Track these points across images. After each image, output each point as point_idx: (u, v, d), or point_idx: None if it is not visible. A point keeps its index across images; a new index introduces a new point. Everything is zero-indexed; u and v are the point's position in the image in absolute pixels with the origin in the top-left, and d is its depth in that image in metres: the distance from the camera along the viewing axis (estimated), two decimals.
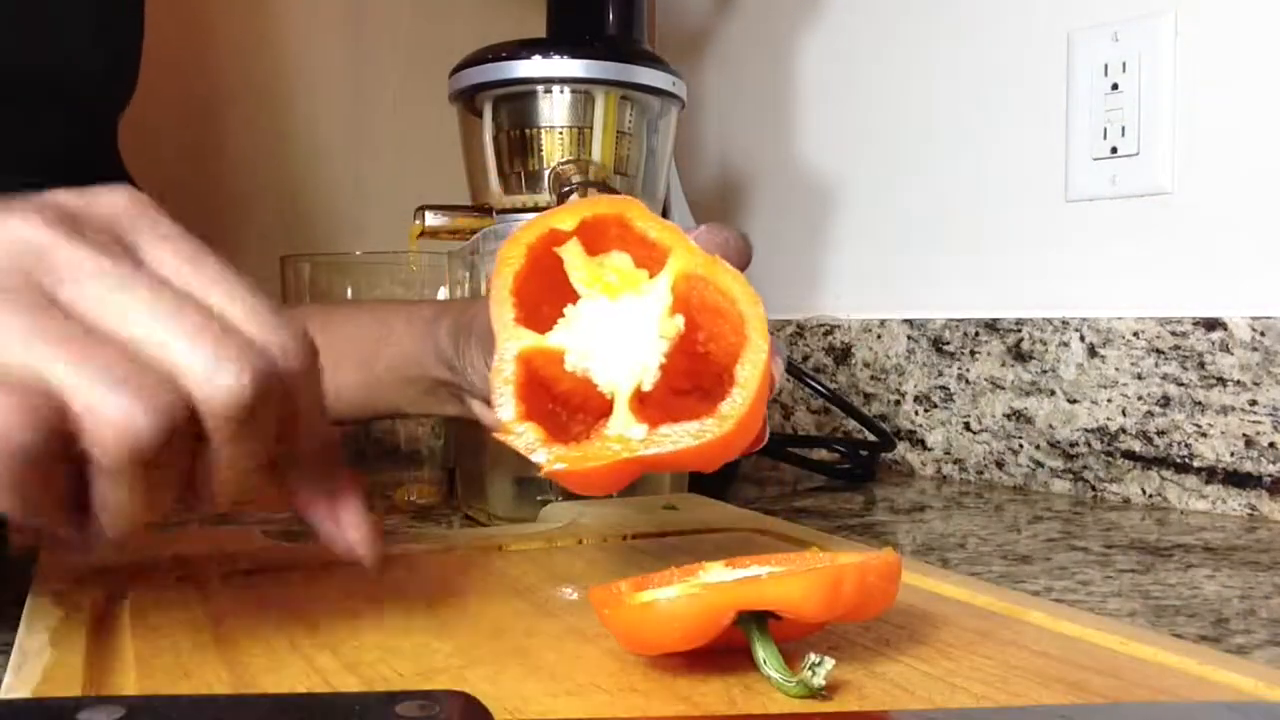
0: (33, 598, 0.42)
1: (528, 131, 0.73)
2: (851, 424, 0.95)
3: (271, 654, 0.36)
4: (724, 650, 0.34)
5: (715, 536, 0.56)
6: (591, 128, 0.72)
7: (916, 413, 0.93)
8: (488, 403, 0.48)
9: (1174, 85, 0.77)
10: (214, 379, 0.30)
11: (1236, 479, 0.73)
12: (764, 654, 0.33)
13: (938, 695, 0.32)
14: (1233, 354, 0.73)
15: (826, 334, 1.00)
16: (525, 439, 0.37)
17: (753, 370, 0.36)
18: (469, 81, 0.73)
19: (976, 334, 0.88)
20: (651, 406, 0.38)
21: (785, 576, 0.33)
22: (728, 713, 0.31)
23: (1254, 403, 0.72)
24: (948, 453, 0.90)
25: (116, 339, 0.29)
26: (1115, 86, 0.80)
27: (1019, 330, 0.85)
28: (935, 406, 0.91)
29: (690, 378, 0.39)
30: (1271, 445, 0.71)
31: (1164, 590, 0.52)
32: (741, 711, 0.31)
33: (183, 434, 0.30)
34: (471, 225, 0.72)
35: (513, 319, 0.39)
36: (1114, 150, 0.80)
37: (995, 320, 0.87)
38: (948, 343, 0.90)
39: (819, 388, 0.90)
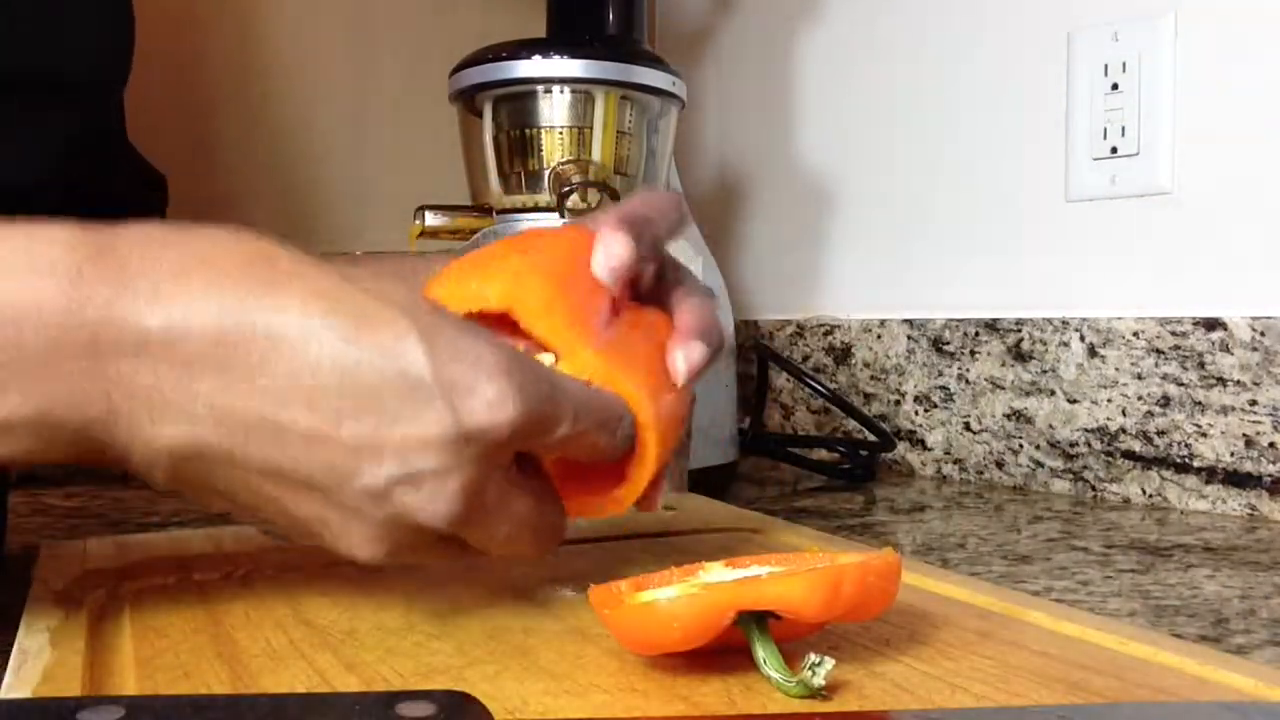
0: (33, 598, 0.42)
1: (528, 131, 0.73)
2: (851, 424, 0.95)
3: (271, 654, 0.36)
4: (724, 650, 0.34)
5: (715, 536, 0.56)
6: (591, 128, 0.72)
7: (916, 413, 0.93)
8: None
9: (1174, 85, 0.77)
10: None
11: (1236, 479, 0.73)
12: (764, 654, 0.33)
13: (938, 695, 0.32)
14: (1233, 354, 0.73)
15: (826, 334, 1.00)
16: None
17: (638, 475, 0.39)
18: (469, 81, 0.73)
19: (976, 334, 0.88)
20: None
21: (785, 576, 0.33)
22: (728, 713, 0.31)
23: (1254, 403, 0.72)
24: (948, 453, 0.90)
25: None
26: (1115, 86, 0.80)
27: (1019, 330, 0.85)
28: (935, 406, 0.91)
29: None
30: (1271, 445, 0.71)
31: (1164, 590, 0.52)
32: (741, 711, 0.31)
33: None
34: (471, 225, 0.72)
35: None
36: (1114, 150, 0.80)
37: (995, 320, 0.87)
38: (948, 343, 0.90)
39: (819, 388, 0.90)
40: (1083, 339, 0.81)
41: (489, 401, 0.33)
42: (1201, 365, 0.74)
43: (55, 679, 0.32)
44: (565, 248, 0.40)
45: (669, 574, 0.37)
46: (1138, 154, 0.79)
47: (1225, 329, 0.73)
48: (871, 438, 0.90)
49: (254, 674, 0.34)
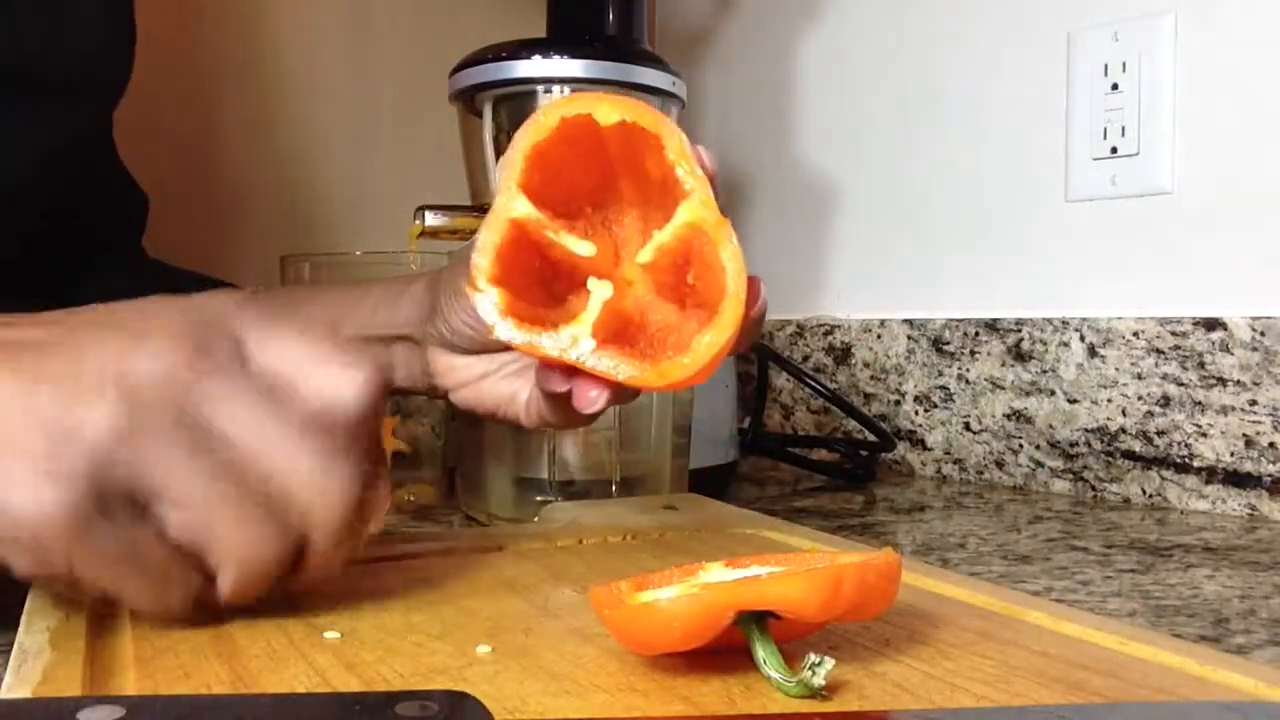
0: (33, 598, 0.42)
1: None
2: (851, 424, 0.95)
3: (271, 654, 0.36)
4: (724, 650, 0.34)
5: (715, 536, 0.56)
6: None
7: (916, 413, 0.93)
8: (452, 348, 0.50)
9: (1174, 85, 0.77)
10: (322, 503, 0.36)
11: (1236, 479, 0.73)
12: (764, 654, 0.33)
13: (938, 695, 0.32)
14: (1233, 354, 0.73)
15: (826, 334, 1.00)
16: (488, 299, 0.38)
17: (710, 343, 0.37)
18: (469, 81, 0.73)
19: (976, 334, 0.88)
20: (629, 313, 0.39)
21: (785, 576, 0.33)
22: (728, 713, 0.31)
23: (1254, 403, 0.72)
24: (948, 453, 0.90)
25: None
26: (1115, 86, 0.80)
27: (1019, 330, 0.85)
28: (935, 406, 0.91)
29: (676, 296, 0.41)
30: (1271, 445, 0.71)
31: (1164, 590, 0.52)
32: (741, 711, 0.31)
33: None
34: (471, 225, 0.72)
35: (518, 183, 0.39)
36: (1114, 150, 0.80)
37: (995, 320, 0.87)
38: (948, 343, 0.90)
39: (819, 388, 0.90)
40: (1083, 339, 0.81)
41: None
42: (1201, 365, 0.74)
43: (55, 679, 0.32)
44: None
45: (669, 574, 0.37)
46: (1138, 154, 0.79)
47: (1225, 329, 0.73)
48: (871, 438, 0.90)
49: (254, 674, 0.34)
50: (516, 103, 0.73)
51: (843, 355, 0.99)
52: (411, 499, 0.75)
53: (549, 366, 0.40)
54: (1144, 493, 0.77)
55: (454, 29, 1.05)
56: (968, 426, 0.89)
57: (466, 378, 0.51)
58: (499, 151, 0.74)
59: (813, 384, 0.91)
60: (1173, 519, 0.72)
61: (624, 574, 0.39)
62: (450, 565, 0.49)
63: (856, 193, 1.01)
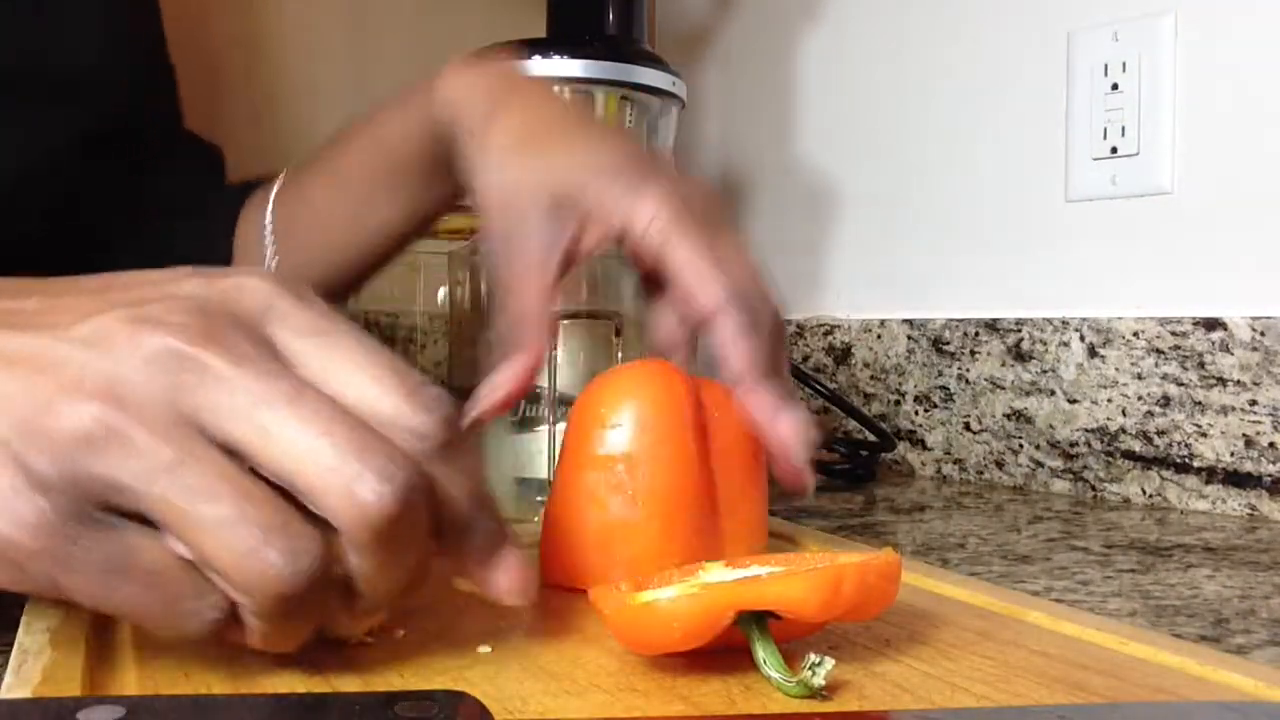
0: (33, 598, 0.42)
1: None
2: (851, 424, 0.95)
3: (271, 654, 0.36)
4: (724, 650, 0.34)
5: None
6: None
7: (916, 413, 0.93)
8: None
9: (1174, 85, 0.77)
10: (355, 497, 0.29)
11: (1236, 479, 0.73)
12: (764, 654, 0.33)
13: (938, 695, 0.32)
14: (1233, 354, 0.73)
15: (826, 334, 1.00)
16: None
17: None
18: None
19: (976, 334, 0.88)
20: None
21: (785, 576, 0.33)
22: (728, 713, 0.31)
23: (1254, 403, 0.72)
24: (948, 453, 0.90)
25: (259, 476, 0.29)
26: (1115, 86, 0.80)
27: (1019, 330, 0.85)
28: (935, 406, 0.91)
29: None
30: (1271, 445, 0.71)
31: (1164, 590, 0.52)
32: (741, 711, 0.31)
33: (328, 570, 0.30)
34: (471, 225, 0.72)
35: None
36: (1114, 150, 0.80)
37: (995, 320, 0.87)
38: (948, 343, 0.90)
39: (819, 388, 0.90)
40: (1083, 339, 0.81)
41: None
42: (1201, 365, 0.74)
43: (55, 679, 0.32)
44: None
45: (669, 574, 0.37)
46: (1138, 154, 0.79)
47: (1225, 329, 0.73)
48: (871, 438, 0.90)
49: (254, 674, 0.34)
50: None
51: (843, 355, 0.99)
52: None
53: None
54: (1144, 493, 0.77)
55: (454, 29, 1.05)
56: (968, 426, 0.89)
57: None
58: None
59: (813, 384, 0.91)
60: (1173, 519, 0.72)
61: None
62: (450, 565, 0.49)
63: (856, 193, 1.01)
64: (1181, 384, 0.75)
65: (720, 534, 0.45)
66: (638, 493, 0.43)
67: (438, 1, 1.09)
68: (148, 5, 0.69)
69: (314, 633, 0.32)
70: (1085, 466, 0.81)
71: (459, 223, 0.72)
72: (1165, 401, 0.76)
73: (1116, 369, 0.79)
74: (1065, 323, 0.82)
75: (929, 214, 0.94)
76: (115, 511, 0.29)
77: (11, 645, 0.36)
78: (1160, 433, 0.76)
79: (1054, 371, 0.83)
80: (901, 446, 0.93)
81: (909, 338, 0.93)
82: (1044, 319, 0.83)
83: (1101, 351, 0.80)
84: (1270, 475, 0.71)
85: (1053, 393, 0.83)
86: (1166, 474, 0.76)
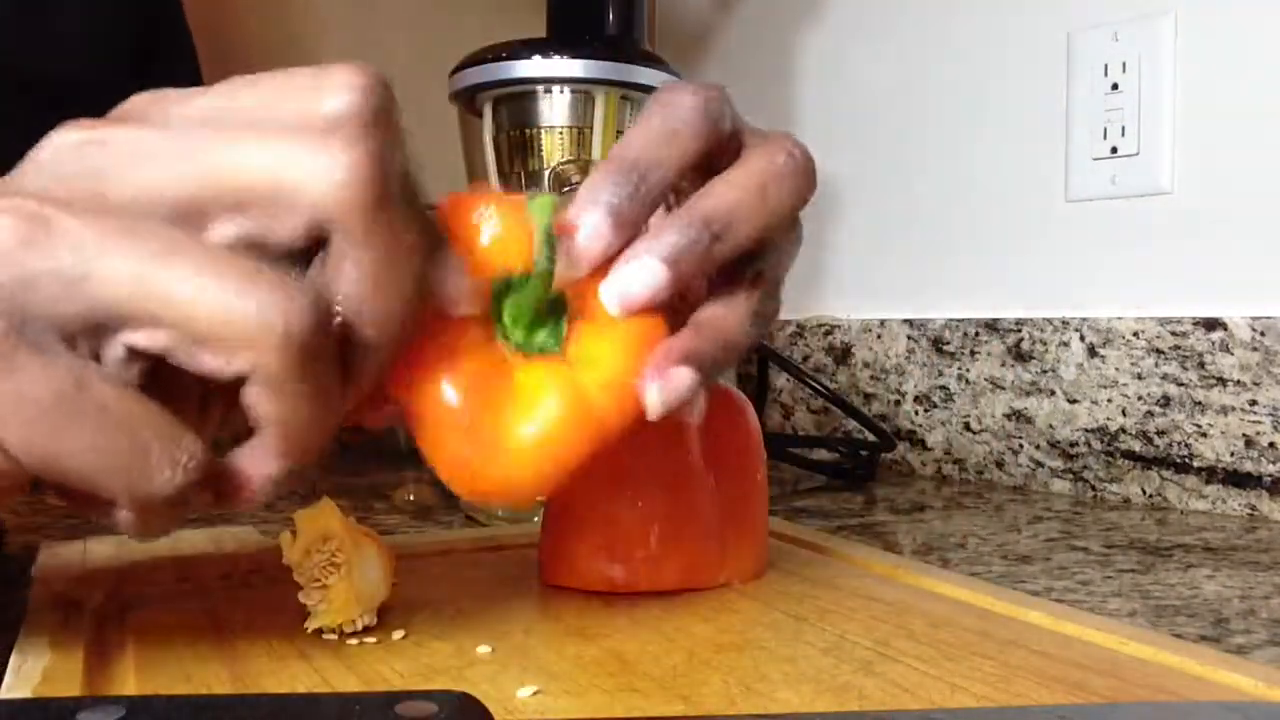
0: (33, 598, 0.42)
1: (528, 131, 0.73)
2: (851, 424, 0.95)
3: (271, 654, 0.36)
4: (723, 648, 0.34)
5: None
6: (591, 128, 0.72)
7: (916, 413, 0.93)
8: None
9: (1174, 85, 0.77)
10: (329, 173, 0.26)
11: (1236, 479, 0.73)
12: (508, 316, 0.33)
13: (938, 695, 0.32)
14: (1233, 354, 0.73)
15: (826, 334, 1.00)
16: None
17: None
18: (469, 81, 0.73)
19: (976, 334, 0.88)
20: None
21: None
22: (727, 713, 0.31)
23: (1254, 403, 0.72)
24: (948, 453, 0.90)
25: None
26: (1115, 86, 0.80)
27: (1019, 330, 0.85)
28: (935, 406, 0.91)
29: None
30: (1271, 445, 0.71)
31: (1164, 590, 0.52)
32: (741, 711, 0.31)
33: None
34: None
35: None
36: (1114, 150, 0.80)
37: (995, 320, 0.87)
38: (948, 343, 0.90)
39: (819, 388, 0.90)
40: (1083, 339, 0.81)
41: None
42: (1201, 365, 0.74)
43: (55, 679, 0.32)
44: None
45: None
46: (1138, 154, 0.79)
47: (1225, 329, 0.73)
48: (871, 438, 0.90)
49: (254, 674, 0.34)
50: (516, 103, 0.73)
51: (843, 355, 0.99)
52: (411, 499, 0.75)
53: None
54: (1144, 493, 0.77)
55: (454, 29, 1.05)
56: (968, 426, 0.89)
57: None
58: (499, 151, 0.74)
59: (813, 384, 0.91)
60: (1173, 519, 0.72)
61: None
62: (450, 565, 0.49)
63: (856, 193, 1.01)
64: (1181, 384, 0.75)
65: (721, 535, 0.45)
66: (638, 494, 0.43)
67: (438, 1, 1.09)
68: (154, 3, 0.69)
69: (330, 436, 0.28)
70: (1085, 466, 0.81)
71: None
72: (1165, 401, 0.76)
73: (1116, 369, 0.79)
74: (1065, 323, 0.82)
75: (929, 214, 0.94)
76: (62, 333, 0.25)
77: (12, 645, 0.36)
78: (1160, 433, 0.76)
79: (1054, 371, 0.83)
80: (901, 446, 0.93)
81: (909, 338, 0.93)
82: (1044, 319, 0.83)
83: (1101, 351, 0.80)
84: (1270, 475, 0.71)
85: (1053, 393, 0.83)
86: (1166, 474, 0.76)
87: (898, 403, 0.94)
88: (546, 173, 0.72)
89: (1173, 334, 0.76)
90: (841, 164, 1.02)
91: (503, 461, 0.32)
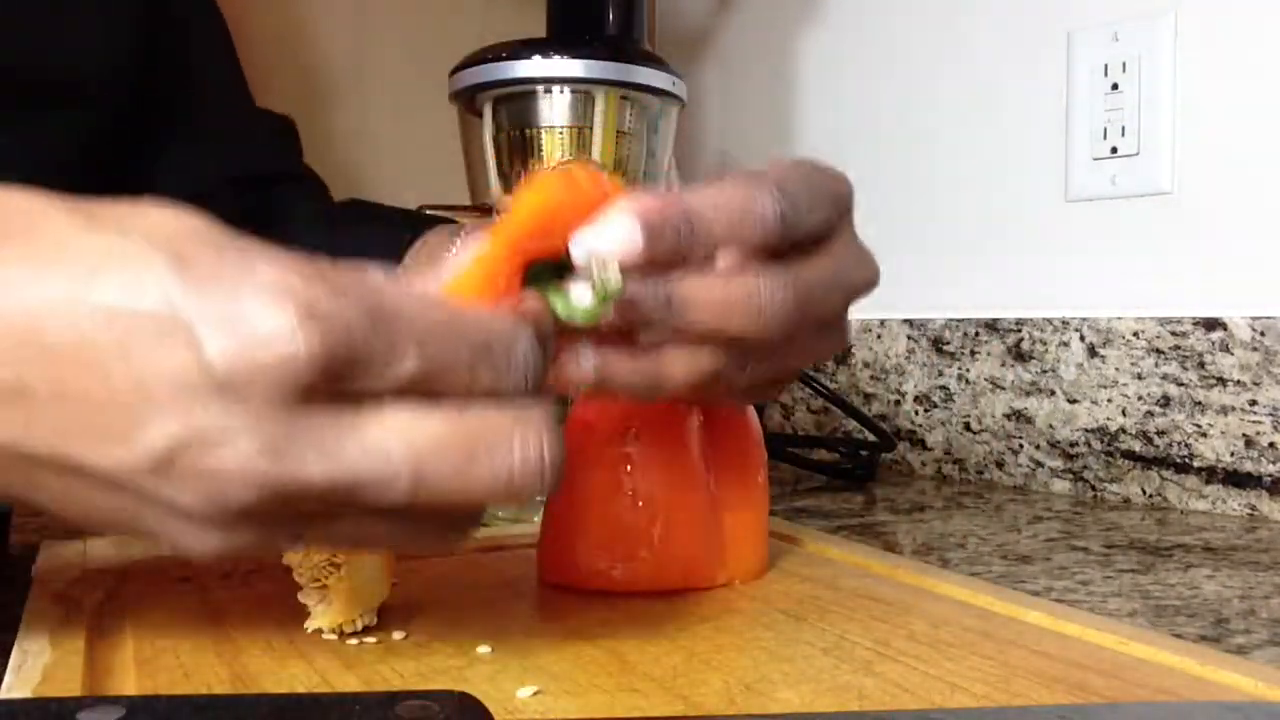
0: (33, 598, 0.42)
1: (528, 131, 0.73)
2: (851, 424, 0.95)
3: (271, 654, 0.36)
4: (723, 648, 0.34)
5: None
6: (591, 128, 0.72)
7: (916, 413, 0.93)
8: None
9: (1174, 85, 0.77)
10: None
11: (1236, 479, 0.73)
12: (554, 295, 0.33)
13: (938, 695, 0.32)
14: (1233, 354, 0.73)
15: None
16: None
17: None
18: (469, 81, 0.73)
19: (976, 334, 0.88)
20: None
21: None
22: (727, 713, 0.31)
23: (1254, 403, 0.72)
24: (948, 453, 0.90)
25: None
26: (1115, 86, 0.80)
27: (1019, 330, 0.85)
28: (935, 406, 0.91)
29: None
30: (1271, 445, 0.71)
31: (1164, 590, 0.52)
32: (741, 711, 0.31)
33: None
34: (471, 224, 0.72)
35: None
36: (1114, 150, 0.80)
37: (995, 320, 0.87)
38: (948, 343, 0.90)
39: (819, 388, 0.90)
40: (1083, 339, 0.81)
41: (258, 333, 0.25)
42: (1201, 365, 0.74)
43: (55, 679, 0.32)
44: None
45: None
46: (1138, 154, 0.79)
47: (1225, 329, 0.73)
48: (871, 438, 0.90)
49: (254, 674, 0.34)
50: (516, 103, 0.73)
51: (842, 355, 0.99)
52: None
53: None
54: (1144, 493, 0.77)
55: (454, 29, 1.05)
56: (968, 426, 0.89)
57: None
58: (499, 151, 0.74)
59: (813, 384, 0.91)
60: (1173, 519, 0.72)
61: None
62: (450, 565, 0.49)
63: (856, 193, 1.00)
64: (1181, 384, 0.75)
65: (721, 534, 0.45)
66: (638, 493, 0.43)
67: (438, 1, 1.09)
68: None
69: None
70: (1085, 466, 0.81)
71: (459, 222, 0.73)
72: (1165, 401, 0.76)
73: (1116, 369, 0.79)
74: (1065, 323, 0.82)
75: (929, 214, 0.94)
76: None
77: (12, 645, 0.36)
78: (1160, 433, 0.76)
79: (1054, 371, 0.83)
80: (901, 446, 0.93)
81: (909, 338, 0.93)
82: (1044, 319, 0.83)
83: (1101, 351, 0.80)
84: (1270, 475, 0.71)
85: (1053, 393, 0.83)
86: (1166, 474, 0.76)
87: (898, 403, 0.94)
88: None
89: (1173, 334, 0.76)
90: (841, 164, 1.02)
91: None
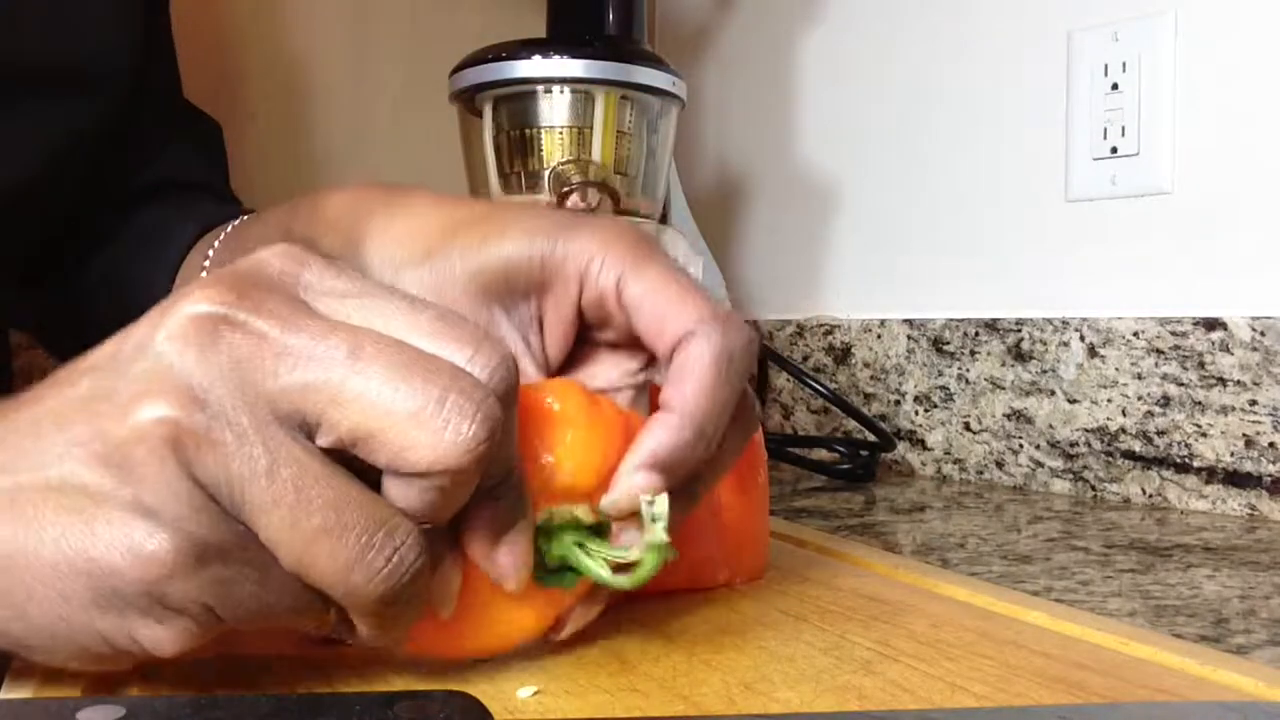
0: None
1: (528, 131, 0.73)
2: (851, 424, 0.95)
3: (271, 654, 0.36)
4: (723, 648, 0.34)
5: None
6: (591, 128, 0.72)
7: (916, 413, 0.93)
8: None
9: (1174, 85, 0.77)
10: (452, 436, 0.27)
11: (1236, 479, 0.73)
12: (588, 559, 0.33)
13: (938, 695, 0.32)
14: (1233, 354, 0.73)
15: (826, 334, 1.00)
16: None
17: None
18: (469, 81, 0.73)
19: (976, 334, 0.88)
20: None
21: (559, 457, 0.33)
22: (727, 713, 0.31)
23: (1254, 403, 0.72)
24: (948, 453, 0.90)
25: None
26: (1115, 86, 0.80)
27: (1019, 330, 0.85)
28: (935, 406, 0.91)
29: None
30: (1271, 445, 0.71)
31: (1164, 590, 0.52)
32: (741, 711, 0.31)
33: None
34: None
35: None
36: (1114, 150, 0.80)
37: (995, 320, 0.87)
38: (948, 343, 0.90)
39: (819, 388, 0.90)
40: (1083, 339, 0.81)
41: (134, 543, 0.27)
42: (1201, 365, 0.74)
43: (55, 679, 0.32)
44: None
45: None
46: (1138, 154, 0.79)
47: (1225, 329, 0.73)
48: (871, 438, 0.90)
49: (254, 674, 0.34)
50: (516, 103, 0.73)
51: (843, 355, 0.99)
52: None
53: None
54: (1144, 493, 0.77)
55: (454, 29, 1.05)
56: (968, 426, 0.89)
57: None
58: (499, 151, 0.74)
59: (813, 384, 0.91)
60: (1173, 519, 0.72)
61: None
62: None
63: (856, 193, 1.01)
64: (1181, 384, 0.75)
65: (721, 534, 0.45)
66: None
67: (438, 1, 1.09)
68: None
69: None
70: (1085, 466, 0.81)
71: None
72: (1165, 401, 0.76)
73: (1116, 369, 0.79)
74: (1065, 323, 0.82)
75: (929, 214, 0.94)
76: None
77: None
78: (1160, 433, 0.76)
79: (1054, 371, 0.83)
80: (901, 446, 0.93)
81: (909, 338, 0.93)
82: (1044, 319, 0.83)
83: (1101, 351, 0.80)
84: (1270, 475, 0.71)
85: (1053, 393, 0.83)
86: (1166, 474, 0.76)
87: (898, 403, 0.94)
88: (546, 173, 0.72)
89: (1173, 334, 0.76)
90: (841, 164, 1.02)
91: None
